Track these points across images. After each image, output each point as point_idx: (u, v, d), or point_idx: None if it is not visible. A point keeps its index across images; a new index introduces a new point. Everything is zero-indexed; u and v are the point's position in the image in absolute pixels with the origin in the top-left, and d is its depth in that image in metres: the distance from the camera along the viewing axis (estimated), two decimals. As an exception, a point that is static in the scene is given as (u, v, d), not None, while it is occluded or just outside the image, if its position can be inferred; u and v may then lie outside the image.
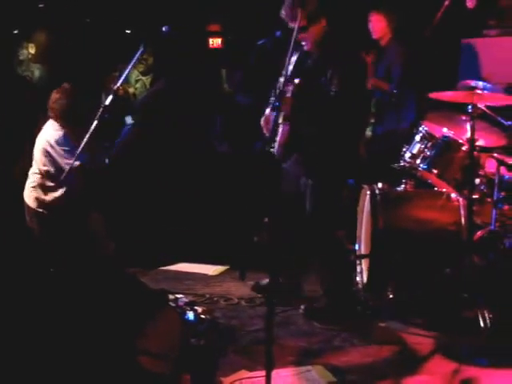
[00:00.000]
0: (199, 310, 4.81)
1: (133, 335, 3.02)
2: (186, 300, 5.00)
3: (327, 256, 5.04)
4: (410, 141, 5.30)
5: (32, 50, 10.98)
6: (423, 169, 5.10)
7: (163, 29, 5.22)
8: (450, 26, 6.55)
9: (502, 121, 5.14)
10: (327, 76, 4.81)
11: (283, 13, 4.85)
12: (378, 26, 6.80)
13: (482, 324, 4.41)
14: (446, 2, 5.66)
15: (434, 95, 4.92)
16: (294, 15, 4.64)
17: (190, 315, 4.61)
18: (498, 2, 7.90)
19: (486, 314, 4.45)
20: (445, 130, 5.12)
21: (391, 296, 4.96)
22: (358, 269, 5.33)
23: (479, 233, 4.97)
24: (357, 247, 5.57)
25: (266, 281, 5.34)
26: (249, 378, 3.88)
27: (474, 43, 7.57)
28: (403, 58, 6.61)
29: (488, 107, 5.25)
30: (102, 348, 2.80)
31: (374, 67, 6.86)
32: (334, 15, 5.03)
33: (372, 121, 6.91)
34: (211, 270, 6.22)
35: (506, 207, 4.92)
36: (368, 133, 6.83)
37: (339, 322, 4.79)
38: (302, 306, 5.06)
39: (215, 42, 9.45)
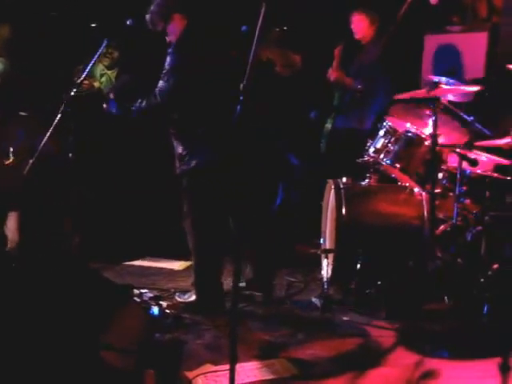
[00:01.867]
0: (164, 304, 4.84)
1: (96, 330, 3.02)
2: (151, 295, 5.03)
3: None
4: (373, 136, 5.36)
5: (-7, 42, 10.88)
6: (387, 163, 5.13)
7: (127, 22, 5.21)
8: (414, 22, 6.63)
9: (465, 116, 5.20)
10: None
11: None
12: (359, 26, 6.72)
13: (445, 315, 4.49)
14: (409, -1, 5.71)
15: (398, 96, 4.98)
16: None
17: (155, 310, 4.62)
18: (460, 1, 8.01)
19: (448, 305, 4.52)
20: (408, 125, 5.17)
21: (355, 289, 5.01)
22: (324, 263, 5.35)
23: (442, 227, 5.04)
24: (322, 241, 5.60)
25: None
26: (213, 371, 3.87)
27: (437, 39, 7.65)
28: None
29: (450, 102, 5.34)
30: (64, 343, 2.80)
31: (341, 61, 6.88)
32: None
33: (332, 114, 6.93)
34: (177, 264, 6.22)
35: (467, 201, 4.99)
36: (328, 125, 6.86)
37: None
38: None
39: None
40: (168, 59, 5.02)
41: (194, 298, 5.07)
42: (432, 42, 7.69)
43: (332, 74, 6.84)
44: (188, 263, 6.06)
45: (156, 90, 5.00)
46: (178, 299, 5.14)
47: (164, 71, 5.01)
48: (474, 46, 7.29)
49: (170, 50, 5.06)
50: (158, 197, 6.61)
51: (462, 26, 7.67)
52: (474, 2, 7.99)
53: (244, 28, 5.30)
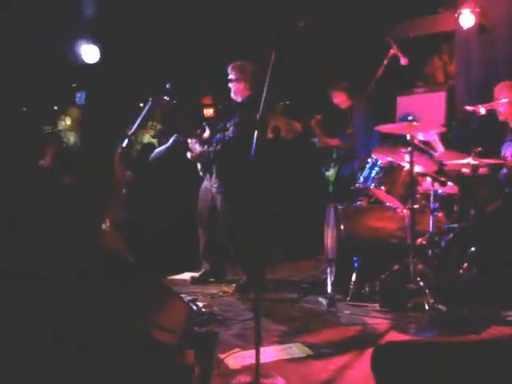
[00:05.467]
0: (200, 304, 4.62)
1: (148, 312, 2.83)
2: (189, 298, 4.80)
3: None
4: (362, 168, 5.21)
5: (68, 122, 10.92)
6: (374, 188, 4.96)
7: (167, 85, 5.13)
8: (388, 84, 6.52)
9: (431, 152, 5.04)
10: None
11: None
12: (340, 100, 6.51)
13: (426, 307, 4.26)
14: (385, 62, 5.59)
15: (379, 128, 4.81)
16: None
17: (194, 308, 4.41)
18: (423, 69, 7.96)
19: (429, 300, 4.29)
20: (389, 158, 5.01)
21: (353, 289, 4.79)
22: (328, 270, 5.15)
23: (420, 239, 4.84)
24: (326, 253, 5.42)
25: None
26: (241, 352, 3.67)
27: (407, 98, 7.58)
28: (368, 114, 6.34)
29: (420, 141, 5.20)
30: (120, 321, 2.61)
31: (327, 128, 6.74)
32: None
33: (332, 164, 6.76)
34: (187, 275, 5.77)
35: (440, 214, 4.80)
36: (331, 173, 6.70)
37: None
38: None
39: (208, 112, 9.42)
40: (237, 114, 5.16)
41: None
42: (402, 102, 7.62)
43: (319, 142, 6.73)
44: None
45: (228, 136, 5.11)
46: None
47: (234, 122, 5.11)
48: (435, 103, 7.25)
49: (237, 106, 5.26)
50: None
51: (424, 88, 7.61)
52: (434, 70, 7.96)
53: (168, 85, 5.18)
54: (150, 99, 5.01)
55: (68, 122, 10.91)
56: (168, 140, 5.92)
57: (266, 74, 3.35)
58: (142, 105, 5.35)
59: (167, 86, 5.13)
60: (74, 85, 9.96)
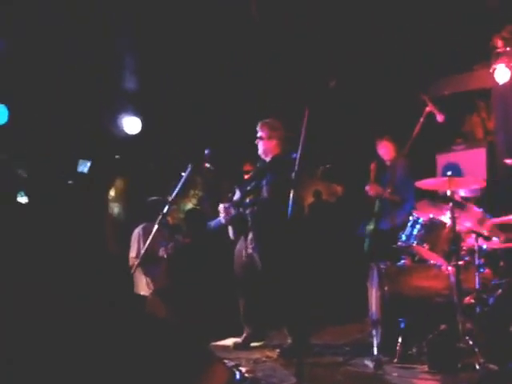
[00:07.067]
0: (243, 370, 4.53)
1: (187, 377, 2.78)
2: (233, 363, 4.71)
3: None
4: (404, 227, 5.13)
5: (112, 193, 11.14)
6: (416, 245, 4.87)
7: (206, 151, 5.20)
8: (427, 142, 6.46)
9: (475, 208, 4.93)
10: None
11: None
12: (386, 151, 6.50)
13: (477, 366, 4.08)
14: (422, 119, 5.57)
15: (419, 183, 4.76)
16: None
17: (237, 374, 4.32)
18: (462, 126, 7.93)
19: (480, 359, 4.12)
20: (431, 215, 4.93)
21: (400, 350, 4.62)
22: (374, 332, 5.02)
23: (468, 298, 4.69)
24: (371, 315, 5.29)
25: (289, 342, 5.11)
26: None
27: (446, 156, 7.53)
28: (408, 169, 6.31)
29: (462, 197, 5.13)
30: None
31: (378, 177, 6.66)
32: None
33: (373, 218, 6.66)
34: (230, 341, 5.64)
35: (486, 270, 4.67)
36: (370, 227, 6.59)
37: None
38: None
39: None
40: (269, 173, 5.14)
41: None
42: (442, 160, 7.56)
43: (371, 189, 6.49)
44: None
45: (263, 196, 5.12)
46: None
47: (267, 182, 5.11)
48: (475, 159, 7.18)
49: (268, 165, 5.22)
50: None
51: (464, 145, 7.55)
52: (472, 127, 7.91)
53: (207, 151, 5.21)
54: (189, 166, 5.07)
55: (112, 193, 11.13)
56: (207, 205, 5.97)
57: (299, 131, 3.38)
58: (182, 173, 5.40)
59: (206, 152, 5.20)
60: (117, 156, 10.18)
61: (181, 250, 6.49)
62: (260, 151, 5.36)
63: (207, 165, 5.48)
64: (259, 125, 5.33)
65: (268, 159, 5.34)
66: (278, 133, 5.27)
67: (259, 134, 5.32)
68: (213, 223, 5.87)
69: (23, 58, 6.46)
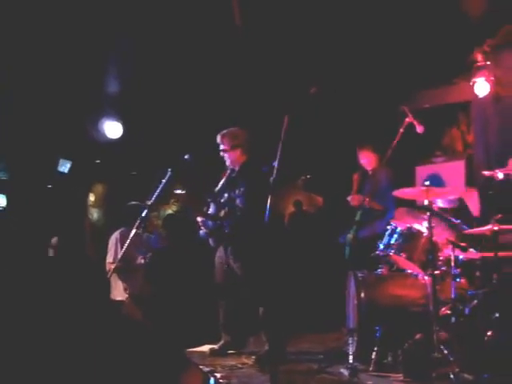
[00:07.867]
0: (218, 375, 4.49)
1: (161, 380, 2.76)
2: (208, 369, 4.68)
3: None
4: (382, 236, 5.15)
5: (92, 198, 11.07)
6: (394, 254, 4.88)
7: (185, 156, 5.18)
8: (406, 154, 6.48)
9: (452, 219, 4.97)
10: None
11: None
12: (368, 160, 6.49)
13: (451, 376, 4.09)
14: (401, 130, 5.58)
15: (397, 192, 4.78)
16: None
17: (212, 381, 4.29)
18: (442, 139, 7.99)
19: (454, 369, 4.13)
20: (408, 225, 4.95)
21: (375, 359, 4.62)
22: (350, 340, 5.01)
23: (444, 308, 4.71)
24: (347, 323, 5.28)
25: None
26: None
27: (425, 168, 7.58)
28: (390, 178, 6.29)
29: (440, 208, 5.16)
30: None
31: (360, 187, 6.65)
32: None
33: (354, 227, 6.65)
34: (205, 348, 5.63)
35: (462, 280, 4.69)
36: (349, 235, 6.58)
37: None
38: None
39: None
40: (241, 183, 5.15)
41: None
42: (422, 172, 7.61)
43: (353, 199, 6.46)
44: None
45: (238, 208, 5.10)
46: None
47: (240, 192, 5.12)
48: (454, 172, 7.23)
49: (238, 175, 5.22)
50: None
51: (443, 158, 7.60)
52: (452, 140, 7.97)
53: (187, 156, 5.19)
54: (169, 171, 5.05)
55: (92, 198, 11.05)
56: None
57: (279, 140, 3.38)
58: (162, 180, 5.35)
59: (186, 157, 5.18)
60: (97, 161, 10.12)
61: (159, 256, 6.46)
62: (228, 163, 5.35)
63: (186, 170, 5.45)
64: (219, 138, 5.31)
65: (237, 168, 5.33)
66: (240, 140, 5.25)
67: (221, 147, 5.29)
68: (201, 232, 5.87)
69: (8, 58, 6.43)
